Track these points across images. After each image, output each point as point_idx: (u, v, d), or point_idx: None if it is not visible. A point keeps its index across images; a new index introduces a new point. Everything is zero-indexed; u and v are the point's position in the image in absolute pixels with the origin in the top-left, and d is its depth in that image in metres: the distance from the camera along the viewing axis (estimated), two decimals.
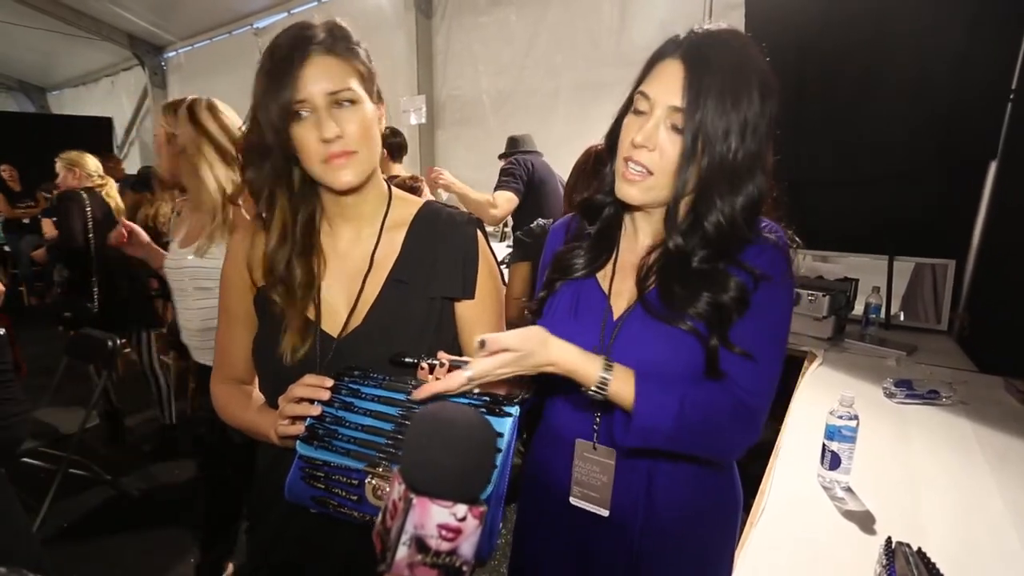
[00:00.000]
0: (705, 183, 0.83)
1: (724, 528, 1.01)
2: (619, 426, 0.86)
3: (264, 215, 0.94)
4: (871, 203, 2.59)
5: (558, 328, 0.96)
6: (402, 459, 0.56)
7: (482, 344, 0.78)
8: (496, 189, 2.93)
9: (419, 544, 0.49)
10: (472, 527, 0.50)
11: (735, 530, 1.03)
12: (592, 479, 0.94)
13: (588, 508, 0.95)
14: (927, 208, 2.46)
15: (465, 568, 0.50)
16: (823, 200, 2.65)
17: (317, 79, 0.83)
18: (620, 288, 0.97)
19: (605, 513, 0.94)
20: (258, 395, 1.02)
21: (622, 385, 0.82)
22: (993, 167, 2.32)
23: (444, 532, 0.49)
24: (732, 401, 0.85)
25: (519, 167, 2.90)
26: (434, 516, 0.49)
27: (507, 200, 2.84)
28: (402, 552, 0.49)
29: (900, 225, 2.52)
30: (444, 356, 0.82)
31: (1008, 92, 2.20)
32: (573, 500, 0.97)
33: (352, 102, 0.85)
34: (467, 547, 0.50)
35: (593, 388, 0.83)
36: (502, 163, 3.09)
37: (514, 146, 3.18)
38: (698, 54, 0.82)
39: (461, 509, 0.50)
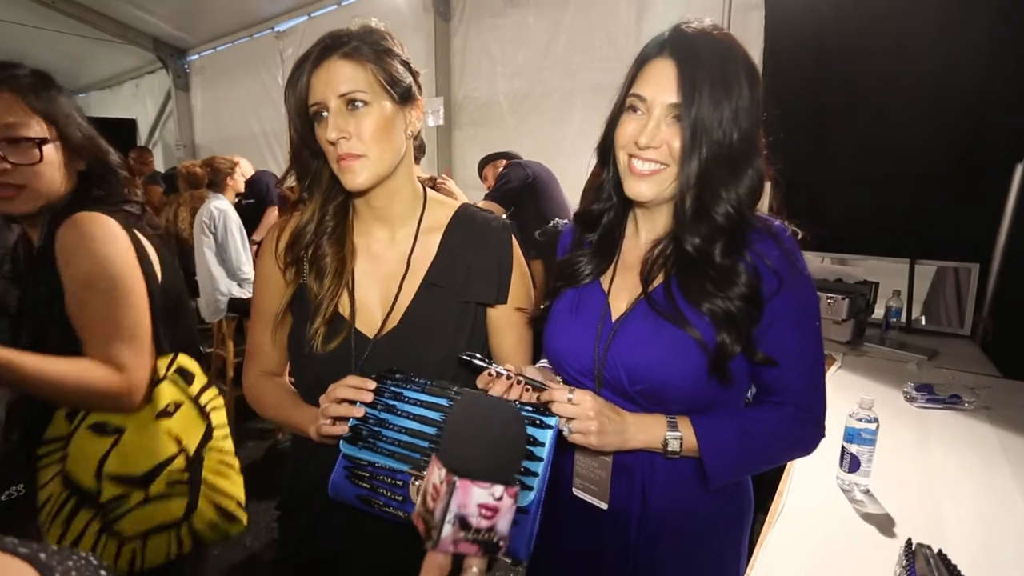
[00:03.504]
0: (709, 173, 0.84)
1: (730, 524, 1.01)
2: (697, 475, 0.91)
3: (303, 201, 0.98)
4: (893, 205, 2.55)
5: (559, 327, 0.98)
6: (443, 446, 0.61)
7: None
8: (486, 196, 3.16)
9: (462, 522, 0.53)
10: (508, 505, 0.55)
11: (743, 526, 1.02)
12: (591, 473, 0.95)
13: (588, 500, 0.96)
14: (951, 211, 2.42)
15: (501, 543, 0.55)
16: (844, 202, 2.63)
17: (328, 82, 0.86)
18: (621, 285, 0.97)
19: (604, 506, 0.95)
20: (292, 388, 1.04)
21: (689, 437, 0.87)
22: (1019, 169, 2.28)
23: (484, 511, 0.54)
24: (780, 415, 0.90)
25: (518, 174, 3.10)
26: (475, 496, 0.54)
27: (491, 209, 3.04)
28: (447, 530, 0.53)
29: (923, 228, 2.49)
30: (512, 367, 0.84)
31: None
32: (575, 491, 0.98)
33: (365, 103, 0.87)
34: (503, 524, 0.55)
35: (662, 450, 0.88)
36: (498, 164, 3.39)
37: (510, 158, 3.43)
38: (686, 49, 0.84)
39: (498, 489, 0.55)
